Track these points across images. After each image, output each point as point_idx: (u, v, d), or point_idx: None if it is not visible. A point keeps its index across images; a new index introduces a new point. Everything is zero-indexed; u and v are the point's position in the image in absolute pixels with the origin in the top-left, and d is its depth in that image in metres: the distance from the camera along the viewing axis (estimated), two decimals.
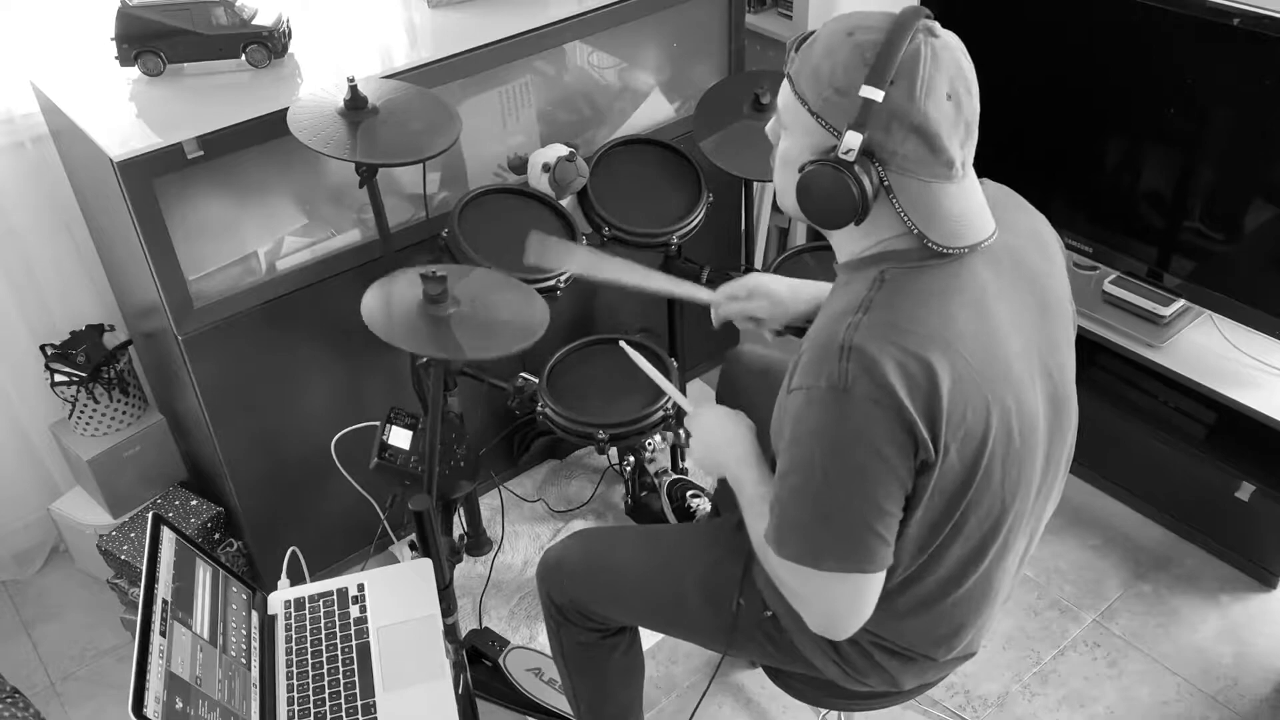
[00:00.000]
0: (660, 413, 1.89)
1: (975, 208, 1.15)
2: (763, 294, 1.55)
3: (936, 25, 1.10)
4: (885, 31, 1.07)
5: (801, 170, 1.13)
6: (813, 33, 1.14)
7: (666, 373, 1.79)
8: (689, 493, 2.31)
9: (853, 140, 1.07)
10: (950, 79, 1.08)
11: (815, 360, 1.12)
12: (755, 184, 2.47)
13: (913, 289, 1.14)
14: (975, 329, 1.14)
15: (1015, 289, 1.21)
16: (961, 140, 1.10)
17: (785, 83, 1.15)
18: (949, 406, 1.10)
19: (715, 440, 1.41)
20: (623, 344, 1.67)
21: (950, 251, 1.14)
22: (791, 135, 1.17)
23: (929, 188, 1.11)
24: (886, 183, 1.11)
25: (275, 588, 1.60)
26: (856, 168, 1.09)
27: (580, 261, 1.73)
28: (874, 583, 1.18)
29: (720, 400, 1.76)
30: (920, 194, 1.11)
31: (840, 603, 1.20)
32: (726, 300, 1.59)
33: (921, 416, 1.09)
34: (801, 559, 1.17)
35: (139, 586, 1.53)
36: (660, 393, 1.88)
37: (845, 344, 1.09)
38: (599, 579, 1.59)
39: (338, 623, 1.53)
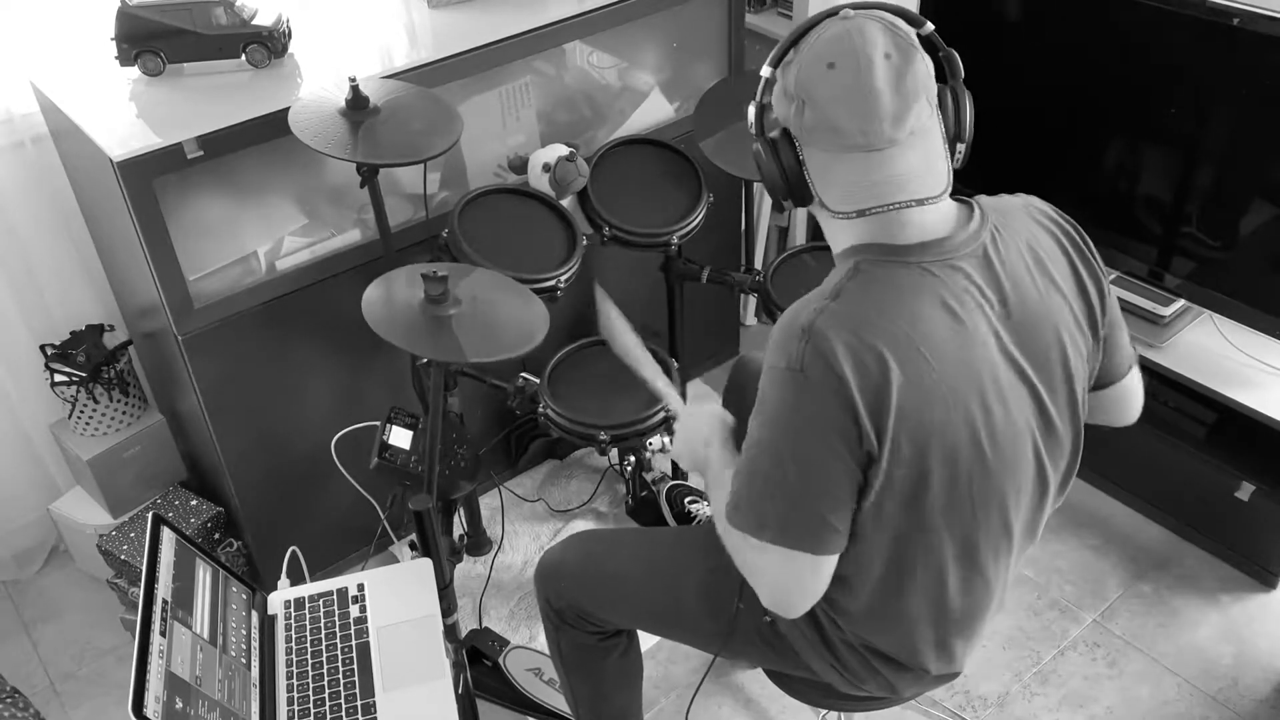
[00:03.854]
0: (661, 413, 1.89)
1: (889, 176, 1.14)
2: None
3: (869, 11, 1.13)
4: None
5: None
6: None
7: (667, 370, 1.78)
8: (687, 498, 2.31)
9: (751, 112, 1.21)
10: (839, 50, 1.10)
11: (782, 340, 1.14)
12: (755, 184, 2.47)
13: (885, 284, 1.15)
14: (946, 332, 1.14)
15: (1002, 298, 1.18)
16: (861, 111, 1.10)
17: None
18: (899, 402, 1.11)
19: (689, 424, 1.45)
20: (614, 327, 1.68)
21: (856, 215, 1.16)
22: None
23: (839, 158, 1.15)
24: (801, 157, 1.17)
25: (275, 588, 1.60)
26: (767, 139, 1.18)
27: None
28: (822, 565, 1.20)
29: (726, 403, 1.77)
30: (826, 163, 1.16)
31: (787, 579, 1.22)
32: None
33: (867, 406, 1.10)
34: (745, 528, 1.20)
35: (139, 586, 1.53)
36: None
37: (807, 326, 1.12)
38: (597, 582, 1.59)
39: (338, 623, 1.53)
